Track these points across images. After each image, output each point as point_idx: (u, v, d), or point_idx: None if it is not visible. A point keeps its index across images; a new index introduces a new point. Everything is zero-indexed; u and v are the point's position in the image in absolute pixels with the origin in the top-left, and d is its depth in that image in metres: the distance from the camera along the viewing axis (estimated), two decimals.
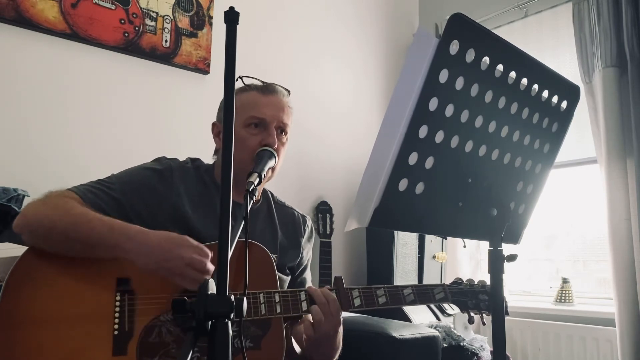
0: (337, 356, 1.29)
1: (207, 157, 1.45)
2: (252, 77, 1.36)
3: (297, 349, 1.30)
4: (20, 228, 1.14)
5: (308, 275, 1.52)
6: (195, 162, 1.40)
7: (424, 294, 1.33)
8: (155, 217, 1.24)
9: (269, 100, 1.33)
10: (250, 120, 1.30)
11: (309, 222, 1.54)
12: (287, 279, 1.41)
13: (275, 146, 1.29)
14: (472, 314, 1.33)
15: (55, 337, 1.06)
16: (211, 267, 1.06)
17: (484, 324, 1.33)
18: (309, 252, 1.53)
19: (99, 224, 1.10)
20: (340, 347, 1.29)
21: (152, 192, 1.26)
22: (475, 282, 1.37)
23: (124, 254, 1.09)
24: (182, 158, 1.40)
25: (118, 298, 1.12)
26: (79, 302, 1.10)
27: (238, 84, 1.36)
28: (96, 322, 1.09)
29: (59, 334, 1.07)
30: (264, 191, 1.47)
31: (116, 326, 1.10)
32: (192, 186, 1.32)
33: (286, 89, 1.39)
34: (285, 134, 1.35)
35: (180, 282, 1.07)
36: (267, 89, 1.35)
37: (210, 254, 1.07)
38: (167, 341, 1.13)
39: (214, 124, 1.42)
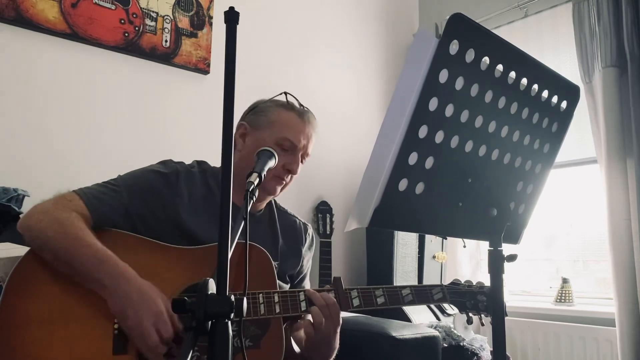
0: (334, 355, 1.30)
1: (207, 157, 1.44)
2: (295, 98, 1.39)
3: (297, 349, 1.30)
4: (22, 230, 1.16)
5: (307, 284, 1.52)
6: (201, 165, 1.39)
7: (422, 294, 1.34)
8: (158, 220, 1.24)
9: (305, 129, 1.36)
10: (284, 142, 1.32)
11: (311, 231, 1.54)
12: (287, 287, 1.41)
13: (296, 174, 1.35)
14: (470, 314, 1.33)
15: (55, 336, 1.07)
16: (160, 351, 1.05)
17: (482, 324, 1.33)
18: (309, 260, 1.53)
19: (89, 253, 1.10)
20: (338, 346, 1.29)
21: (156, 195, 1.26)
22: (474, 284, 1.37)
23: (101, 289, 1.09)
24: (182, 158, 1.39)
25: None
26: (80, 301, 1.11)
27: (281, 97, 1.39)
28: (97, 321, 1.10)
29: (59, 333, 1.07)
30: None
31: (116, 325, 1.10)
32: (196, 191, 1.31)
33: (314, 117, 1.41)
34: (304, 161, 1.39)
35: (129, 336, 1.07)
36: (306, 116, 1.37)
37: (170, 334, 1.06)
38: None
39: (240, 124, 1.40)
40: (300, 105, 1.39)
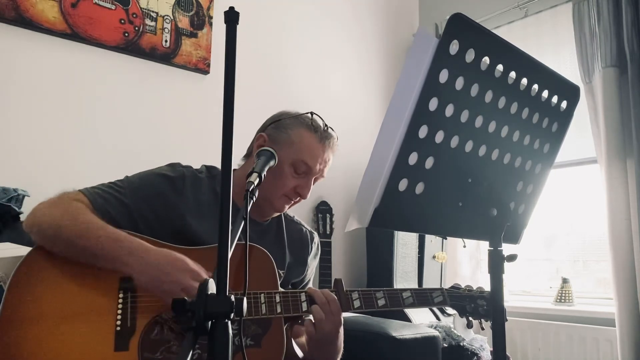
0: (339, 358, 1.29)
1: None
2: (321, 118, 1.36)
3: (299, 352, 1.30)
4: (29, 227, 1.15)
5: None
6: (210, 171, 1.37)
7: (423, 297, 1.34)
8: (161, 224, 1.24)
9: (325, 154, 1.35)
10: (301, 165, 1.31)
11: (317, 240, 1.54)
12: None
13: (306, 198, 1.35)
14: (470, 318, 1.34)
15: (58, 332, 1.07)
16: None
17: (482, 329, 1.33)
18: (313, 269, 1.53)
19: (104, 235, 1.11)
20: (342, 349, 1.29)
21: (161, 199, 1.25)
22: (474, 288, 1.37)
23: (124, 267, 1.09)
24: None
25: (121, 296, 1.13)
26: (83, 299, 1.11)
27: (307, 116, 1.36)
28: (99, 318, 1.10)
29: (62, 330, 1.07)
30: None
31: (118, 322, 1.11)
32: (202, 196, 1.31)
33: (337, 138, 1.40)
34: (317, 182, 1.39)
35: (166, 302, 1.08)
36: (328, 141, 1.35)
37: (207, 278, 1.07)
38: (169, 338, 1.13)
39: (260, 136, 1.38)
40: (325, 126, 1.36)
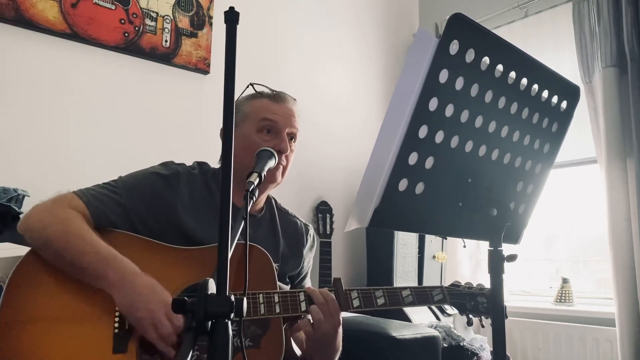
0: (337, 357, 1.29)
1: (207, 157, 1.44)
2: (263, 85, 1.37)
3: (298, 351, 1.30)
4: (22, 231, 1.16)
5: (308, 283, 1.52)
6: (202, 167, 1.38)
7: (422, 296, 1.33)
8: (158, 222, 1.24)
9: (281, 107, 1.34)
10: (263, 123, 1.31)
11: (312, 232, 1.54)
12: (287, 287, 1.40)
13: (287, 153, 1.31)
14: (470, 316, 1.33)
15: (56, 335, 1.07)
16: (173, 340, 1.06)
17: (482, 326, 1.33)
18: (310, 261, 1.53)
19: (92, 251, 1.11)
20: (340, 348, 1.29)
21: (157, 197, 1.25)
22: (474, 285, 1.37)
23: (107, 286, 1.09)
24: (182, 158, 1.39)
25: None
26: (81, 301, 1.11)
27: (249, 91, 1.37)
28: (97, 320, 1.10)
29: (60, 332, 1.07)
30: (268, 198, 1.45)
31: (116, 324, 1.10)
32: (197, 192, 1.31)
33: (293, 98, 1.39)
34: (295, 141, 1.37)
35: (142, 333, 1.08)
36: (279, 96, 1.36)
37: (182, 322, 1.07)
38: None
39: (221, 130, 1.39)
40: (272, 90, 1.37)
